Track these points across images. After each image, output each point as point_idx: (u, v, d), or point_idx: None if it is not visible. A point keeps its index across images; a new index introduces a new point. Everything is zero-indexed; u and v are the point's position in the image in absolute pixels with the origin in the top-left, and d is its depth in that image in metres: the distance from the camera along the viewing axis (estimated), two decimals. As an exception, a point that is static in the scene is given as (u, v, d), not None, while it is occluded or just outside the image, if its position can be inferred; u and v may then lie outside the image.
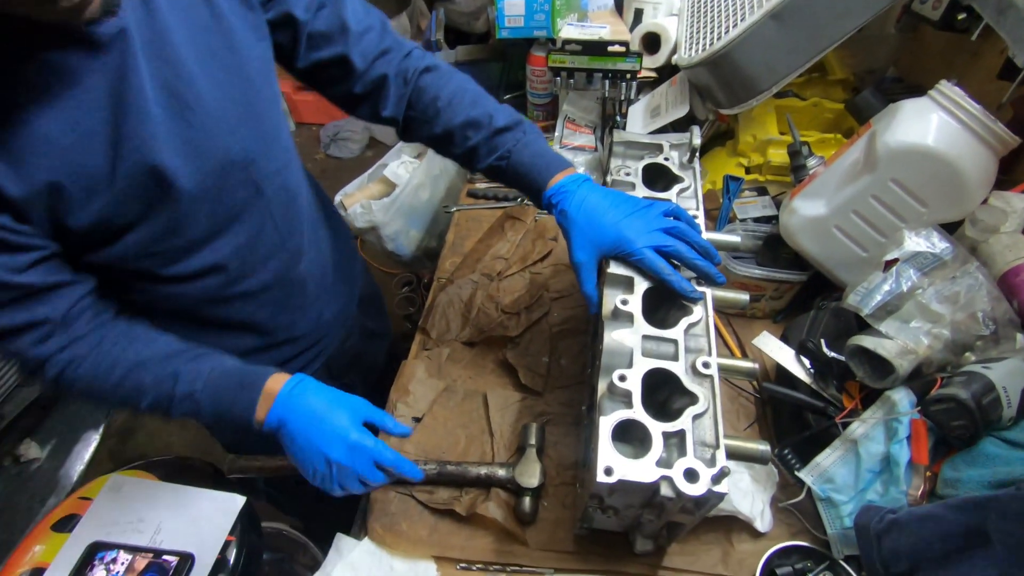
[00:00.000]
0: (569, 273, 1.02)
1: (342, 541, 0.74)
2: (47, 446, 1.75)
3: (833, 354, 0.74)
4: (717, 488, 0.51)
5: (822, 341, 0.76)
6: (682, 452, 0.54)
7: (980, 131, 0.71)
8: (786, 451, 0.73)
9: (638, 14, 1.27)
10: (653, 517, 0.60)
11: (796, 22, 0.88)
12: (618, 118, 1.17)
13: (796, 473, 0.71)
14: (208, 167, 0.62)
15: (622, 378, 0.58)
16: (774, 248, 0.90)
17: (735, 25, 0.90)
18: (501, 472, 0.73)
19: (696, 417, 0.56)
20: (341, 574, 0.71)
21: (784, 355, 0.78)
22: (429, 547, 0.72)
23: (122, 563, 0.73)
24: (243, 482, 1.04)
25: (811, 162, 0.90)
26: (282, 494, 1.15)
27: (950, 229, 0.74)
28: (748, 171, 1.09)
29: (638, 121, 1.16)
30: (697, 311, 0.64)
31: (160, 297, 0.69)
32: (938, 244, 0.71)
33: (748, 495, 0.70)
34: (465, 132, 0.74)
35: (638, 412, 0.56)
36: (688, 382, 0.58)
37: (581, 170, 0.83)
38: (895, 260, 0.72)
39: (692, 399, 0.57)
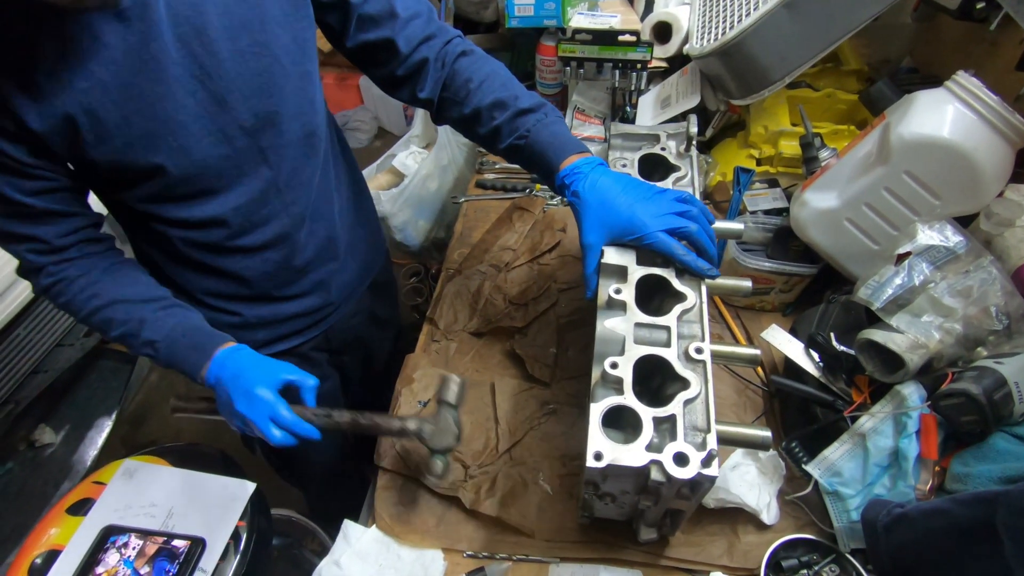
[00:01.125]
0: (577, 265, 1.02)
1: (350, 528, 0.74)
2: (61, 431, 1.78)
3: (842, 348, 0.73)
4: (707, 471, 0.51)
5: (831, 335, 0.75)
6: (673, 437, 0.54)
7: (997, 123, 0.69)
8: (793, 444, 0.73)
9: (649, 3, 1.25)
10: (650, 503, 0.60)
11: (810, 11, 0.86)
12: (628, 108, 1.16)
13: (803, 466, 0.71)
14: (215, 128, 0.67)
15: (614, 365, 0.58)
16: (784, 241, 0.90)
17: (748, 14, 0.88)
18: (412, 426, 0.70)
19: (688, 402, 0.56)
20: (349, 561, 0.71)
21: (793, 348, 0.78)
22: (436, 537, 0.73)
23: (134, 548, 0.74)
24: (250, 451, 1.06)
25: (823, 154, 0.89)
26: (289, 467, 1.17)
27: (964, 222, 0.73)
28: (759, 163, 1.08)
29: (648, 111, 1.15)
30: (691, 298, 0.63)
31: (167, 238, 0.75)
32: (952, 237, 0.70)
33: (755, 487, 0.70)
34: (491, 112, 0.76)
35: (629, 398, 0.56)
36: (680, 368, 0.58)
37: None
38: (907, 253, 0.71)
39: (684, 384, 0.57)
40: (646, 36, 1.18)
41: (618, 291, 0.64)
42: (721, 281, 0.67)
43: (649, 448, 0.54)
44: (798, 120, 1.00)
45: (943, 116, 0.71)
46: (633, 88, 1.20)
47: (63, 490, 1.65)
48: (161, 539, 0.75)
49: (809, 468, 0.70)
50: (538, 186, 1.21)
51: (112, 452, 1.76)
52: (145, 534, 0.76)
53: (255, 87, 0.67)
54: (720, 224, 0.71)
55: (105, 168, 0.64)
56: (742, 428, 0.58)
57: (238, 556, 0.77)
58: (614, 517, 0.69)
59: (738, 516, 0.71)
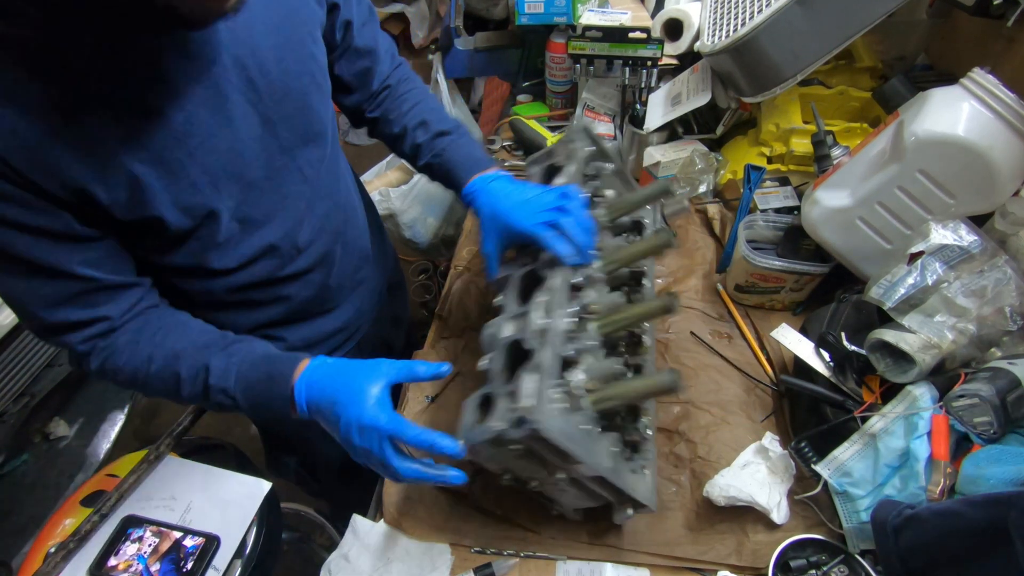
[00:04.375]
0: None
1: (358, 522, 0.75)
2: (75, 424, 1.81)
3: (853, 347, 0.73)
4: (518, 405, 0.51)
5: (842, 334, 0.74)
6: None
7: (1014, 121, 0.68)
8: (803, 444, 0.73)
9: (660, 0, 1.25)
10: (545, 474, 0.59)
11: (823, 7, 0.85)
12: (638, 106, 1.16)
13: (813, 466, 0.70)
14: (263, 151, 0.65)
15: (489, 360, 0.60)
16: (795, 239, 0.89)
17: (760, 11, 0.88)
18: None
19: (530, 372, 0.55)
20: (358, 555, 0.72)
21: (803, 348, 0.78)
22: (444, 532, 0.73)
23: (149, 544, 0.75)
24: (276, 468, 1.06)
25: (835, 152, 0.89)
26: (313, 477, 1.17)
27: (979, 222, 0.72)
28: (770, 161, 1.07)
29: (658, 109, 1.14)
30: (554, 279, 0.64)
31: (206, 291, 0.71)
32: (966, 237, 0.69)
33: (765, 486, 0.70)
34: (415, 132, 0.84)
35: (492, 385, 0.57)
36: (531, 342, 0.58)
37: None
38: (920, 253, 0.70)
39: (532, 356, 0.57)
40: (657, 33, 1.18)
41: (500, 298, 0.68)
42: (642, 246, 0.71)
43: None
44: (810, 118, 0.99)
45: (958, 114, 0.70)
46: (643, 85, 1.20)
47: (77, 482, 1.67)
48: (175, 535, 0.76)
49: (819, 468, 0.69)
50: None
51: (125, 445, 1.79)
52: (162, 528, 0.77)
53: (298, 106, 0.67)
54: (645, 190, 0.76)
55: (161, 223, 0.58)
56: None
57: (248, 551, 0.78)
58: (576, 505, 0.69)
59: (747, 515, 0.71)
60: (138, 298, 0.63)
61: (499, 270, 0.74)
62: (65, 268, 0.56)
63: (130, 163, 0.54)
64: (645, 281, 0.77)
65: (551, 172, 0.81)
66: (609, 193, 0.81)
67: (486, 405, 0.56)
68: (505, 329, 0.62)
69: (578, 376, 0.58)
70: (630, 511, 0.64)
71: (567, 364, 0.59)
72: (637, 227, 0.78)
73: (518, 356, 0.59)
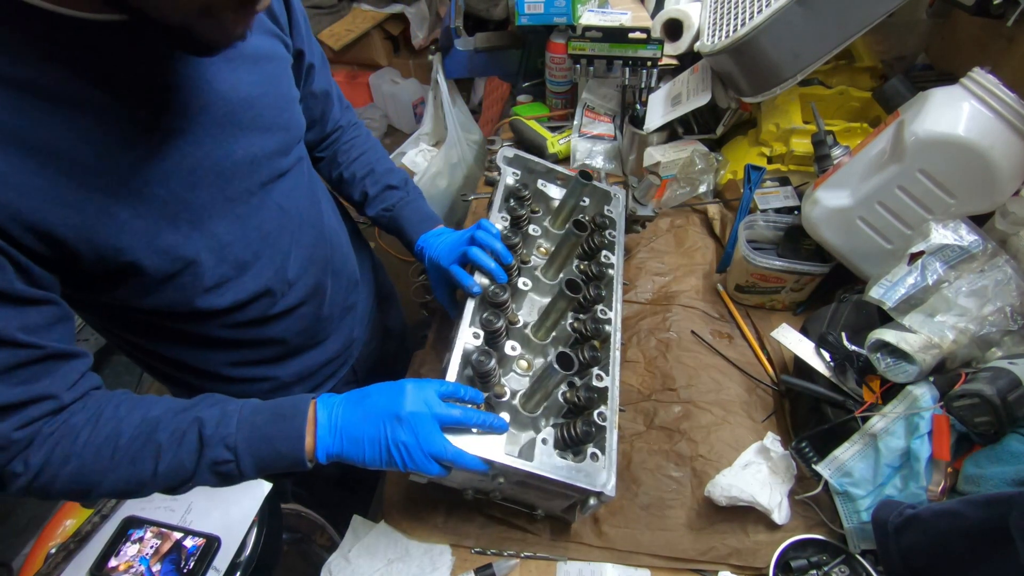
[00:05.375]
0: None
1: (359, 523, 0.75)
2: (76, 425, 1.80)
3: (854, 347, 0.73)
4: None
5: (843, 334, 0.74)
6: None
7: (1014, 121, 0.68)
8: (804, 444, 0.73)
9: (660, 0, 1.25)
10: (507, 484, 0.63)
11: (823, 7, 0.85)
12: (638, 106, 1.16)
13: (813, 466, 0.70)
14: (245, 193, 0.64)
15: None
16: (795, 239, 0.89)
17: (760, 11, 0.88)
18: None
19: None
20: (358, 556, 0.72)
21: (803, 348, 0.78)
22: (444, 533, 0.73)
23: (150, 544, 0.75)
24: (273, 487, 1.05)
25: (836, 152, 0.89)
26: (311, 493, 1.17)
27: (979, 221, 0.72)
28: (770, 161, 1.07)
29: (658, 109, 1.14)
30: (467, 311, 0.70)
31: (190, 334, 0.68)
32: (966, 237, 0.69)
33: (766, 486, 0.70)
34: (364, 181, 0.89)
35: None
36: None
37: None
38: (921, 253, 0.70)
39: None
40: (656, 33, 1.18)
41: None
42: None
43: None
44: (810, 118, 0.99)
45: (958, 114, 0.70)
46: (643, 86, 1.20)
47: (78, 483, 1.67)
48: (176, 536, 0.76)
49: (819, 468, 0.69)
50: (547, 184, 1.21)
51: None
52: (163, 528, 0.76)
53: (275, 140, 0.66)
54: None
55: (140, 271, 0.54)
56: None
57: (248, 552, 0.78)
58: (554, 511, 0.70)
59: (748, 515, 0.71)
60: (81, 373, 0.53)
61: (454, 311, 0.81)
62: (2, 335, 0.46)
63: (108, 203, 0.50)
64: (605, 257, 0.83)
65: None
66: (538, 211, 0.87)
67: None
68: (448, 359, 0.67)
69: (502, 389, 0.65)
70: (592, 501, 0.63)
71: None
72: (579, 225, 0.74)
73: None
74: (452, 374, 0.64)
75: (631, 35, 1.14)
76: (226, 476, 0.55)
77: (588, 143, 1.23)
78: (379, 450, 0.56)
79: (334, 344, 0.87)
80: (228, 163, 0.60)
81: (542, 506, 0.70)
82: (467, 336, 0.67)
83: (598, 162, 1.22)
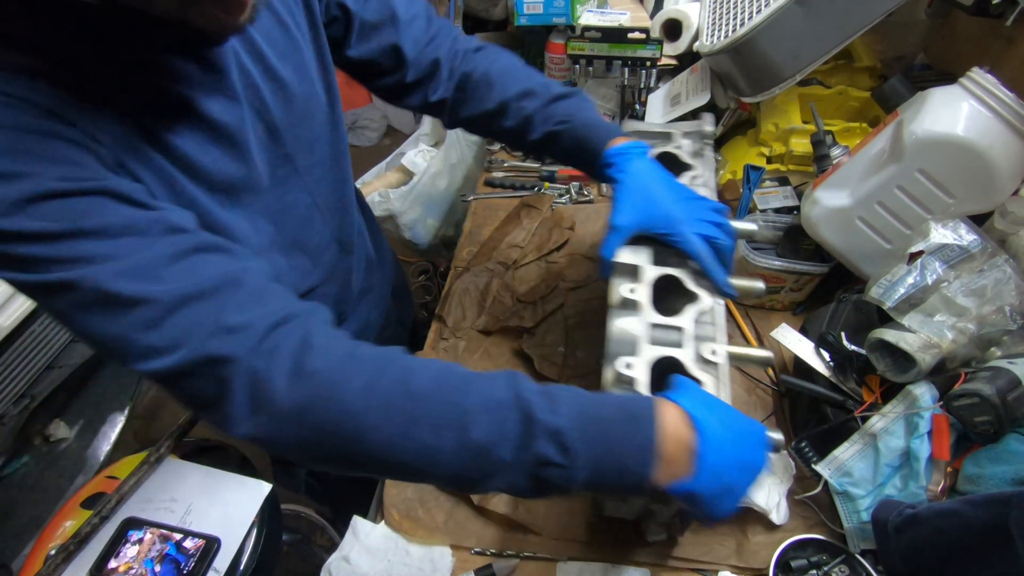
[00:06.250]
0: (585, 263, 1.02)
1: (359, 524, 0.75)
2: (75, 426, 1.81)
3: (853, 347, 0.73)
4: None
5: (842, 334, 0.74)
6: None
7: (1013, 120, 0.68)
8: (803, 444, 0.73)
9: (659, 0, 1.25)
10: (661, 503, 0.59)
11: (823, 7, 0.85)
12: (637, 106, 1.16)
13: (813, 466, 0.70)
14: (266, 159, 0.62)
15: (628, 366, 0.57)
16: (795, 239, 0.89)
17: (759, 11, 0.88)
18: None
19: None
20: (358, 557, 0.72)
21: (803, 347, 0.78)
22: (445, 534, 0.73)
23: (150, 545, 0.75)
24: (285, 481, 1.05)
25: (835, 152, 0.89)
26: (321, 483, 1.17)
27: (978, 221, 0.72)
28: (769, 160, 1.07)
29: (658, 109, 1.14)
30: (706, 300, 0.62)
31: None
32: (965, 236, 0.69)
33: (764, 487, 0.70)
34: (520, 102, 0.72)
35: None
36: (694, 369, 0.57)
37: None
38: (920, 252, 0.70)
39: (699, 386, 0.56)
40: (656, 33, 1.18)
41: (632, 290, 0.63)
42: (735, 281, 0.66)
43: None
44: (809, 118, 0.99)
45: (957, 113, 0.70)
46: (643, 86, 1.20)
47: (77, 484, 1.67)
48: (176, 536, 0.76)
49: (819, 468, 0.69)
50: (547, 184, 1.21)
51: (125, 447, 1.79)
52: (162, 529, 0.76)
53: (302, 112, 0.63)
54: (736, 224, 0.69)
55: None
56: (745, 349, 0.59)
57: (248, 553, 0.78)
58: (624, 516, 0.69)
59: (747, 516, 0.71)
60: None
61: (616, 253, 0.65)
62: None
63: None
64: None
65: (666, 161, 0.75)
66: None
67: None
68: (647, 336, 0.60)
69: None
70: (663, 534, 0.61)
71: None
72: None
73: (658, 368, 0.58)
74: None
75: (630, 35, 1.14)
76: (545, 485, 0.41)
77: (587, 143, 1.23)
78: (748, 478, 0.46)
79: (349, 328, 0.84)
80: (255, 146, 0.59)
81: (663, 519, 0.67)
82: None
83: (597, 162, 1.22)
